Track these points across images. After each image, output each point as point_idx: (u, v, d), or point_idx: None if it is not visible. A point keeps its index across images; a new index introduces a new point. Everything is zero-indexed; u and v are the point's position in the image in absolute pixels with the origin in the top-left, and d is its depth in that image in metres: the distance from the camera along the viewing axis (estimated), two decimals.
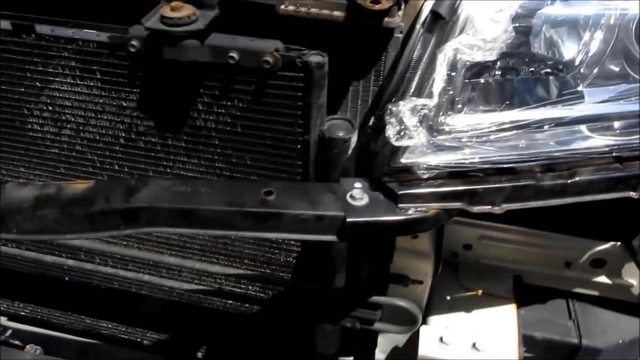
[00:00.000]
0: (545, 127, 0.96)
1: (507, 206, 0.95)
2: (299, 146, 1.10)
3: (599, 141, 0.97)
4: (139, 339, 1.69)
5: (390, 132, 0.89)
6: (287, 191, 0.96)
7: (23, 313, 1.75)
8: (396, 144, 0.90)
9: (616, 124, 0.97)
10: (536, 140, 0.96)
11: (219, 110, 1.09)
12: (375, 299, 1.25)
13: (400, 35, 1.02)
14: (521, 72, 0.96)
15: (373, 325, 1.30)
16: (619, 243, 1.36)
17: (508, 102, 0.94)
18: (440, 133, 0.92)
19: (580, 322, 1.43)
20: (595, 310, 1.47)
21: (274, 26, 1.03)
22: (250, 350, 1.57)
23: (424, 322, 1.38)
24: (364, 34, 1.02)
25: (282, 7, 1.00)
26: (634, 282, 1.41)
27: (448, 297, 1.44)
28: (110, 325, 1.68)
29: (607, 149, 0.96)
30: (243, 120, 1.10)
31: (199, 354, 1.62)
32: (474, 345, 1.33)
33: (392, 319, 1.36)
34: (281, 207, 0.93)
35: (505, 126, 0.94)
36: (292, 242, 1.28)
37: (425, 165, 0.92)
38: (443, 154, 0.93)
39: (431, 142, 0.92)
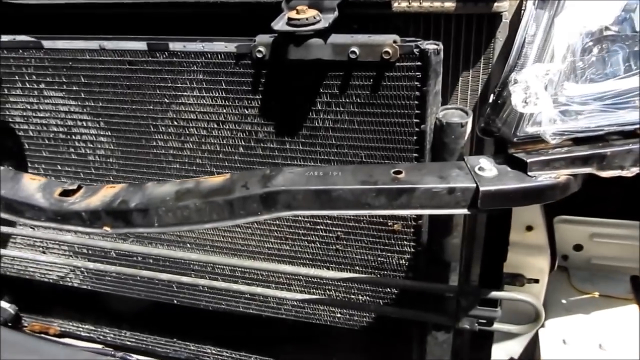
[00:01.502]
0: None
1: (636, 170, 0.95)
2: (415, 137, 1.14)
3: None
4: None
5: (516, 99, 0.93)
6: (416, 169, 1.00)
7: (129, 343, 1.79)
8: (523, 110, 0.93)
9: None
10: None
11: (338, 109, 1.16)
12: (494, 294, 1.22)
13: (508, 21, 1.07)
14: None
15: (492, 326, 1.27)
16: None
17: (627, 68, 0.96)
18: (564, 100, 0.95)
19: None
20: None
21: (384, 24, 1.11)
22: None
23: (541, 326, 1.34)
24: (474, 21, 1.08)
25: (396, 4, 1.09)
26: None
27: (563, 300, 1.40)
28: (214, 351, 1.70)
29: None
30: (360, 116, 1.15)
31: None
32: (600, 349, 1.28)
33: (509, 320, 1.32)
34: (413, 182, 0.96)
35: (628, 91, 0.96)
36: (405, 243, 1.29)
37: (552, 132, 0.94)
38: (568, 121, 0.95)
39: (556, 108, 0.94)
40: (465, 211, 0.96)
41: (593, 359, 1.24)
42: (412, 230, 1.27)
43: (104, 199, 1.11)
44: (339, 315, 1.46)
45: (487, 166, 0.97)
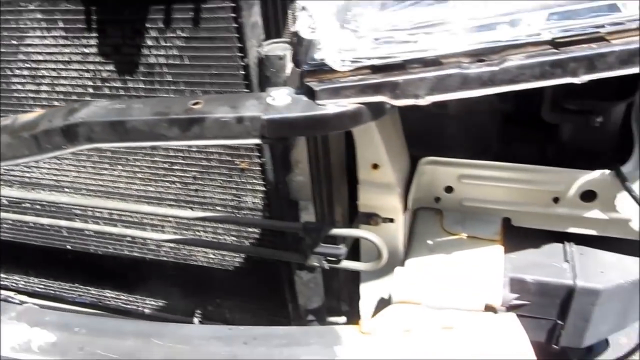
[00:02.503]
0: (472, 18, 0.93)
1: (432, 98, 0.92)
2: (242, 72, 1.13)
3: (530, 27, 0.93)
4: (140, 308, 1.74)
5: (301, 25, 0.90)
6: (215, 101, 0.98)
7: (38, 289, 1.84)
8: (309, 37, 0.91)
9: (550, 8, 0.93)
10: (462, 30, 0.93)
11: (166, 44, 1.15)
12: (335, 231, 1.22)
13: None
14: None
15: (340, 263, 1.27)
16: (608, 171, 1.27)
17: None
18: (352, 26, 0.92)
19: (577, 263, 1.33)
20: (595, 252, 1.36)
21: None
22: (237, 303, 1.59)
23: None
24: None
25: None
26: (631, 216, 1.30)
27: (429, 241, 1.38)
28: (112, 295, 1.75)
29: (539, 32, 0.92)
30: (189, 52, 1.15)
31: (197, 312, 1.64)
32: (452, 287, 1.27)
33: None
34: (204, 113, 0.95)
35: (427, 19, 0.92)
36: (255, 182, 1.30)
37: (339, 59, 0.92)
38: (358, 48, 0.92)
39: (344, 35, 0.92)
40: (257, 140, 0.95)
41: (437, 298, 1.23)
42: (258, 168, 1.26)
43: None
44: (212, 256, 1.48)
45: (281, 96, 0.95)
